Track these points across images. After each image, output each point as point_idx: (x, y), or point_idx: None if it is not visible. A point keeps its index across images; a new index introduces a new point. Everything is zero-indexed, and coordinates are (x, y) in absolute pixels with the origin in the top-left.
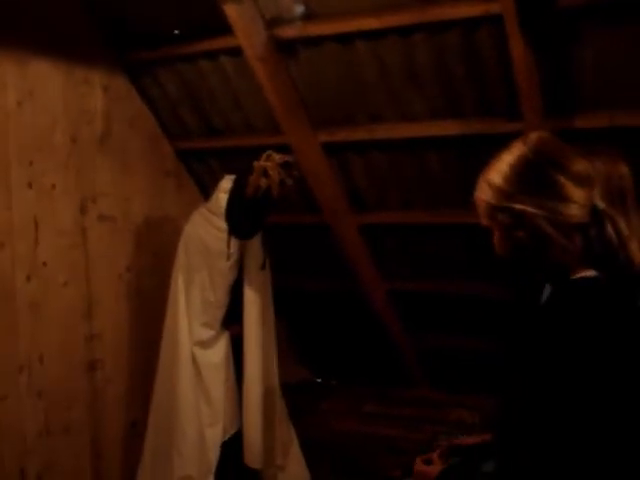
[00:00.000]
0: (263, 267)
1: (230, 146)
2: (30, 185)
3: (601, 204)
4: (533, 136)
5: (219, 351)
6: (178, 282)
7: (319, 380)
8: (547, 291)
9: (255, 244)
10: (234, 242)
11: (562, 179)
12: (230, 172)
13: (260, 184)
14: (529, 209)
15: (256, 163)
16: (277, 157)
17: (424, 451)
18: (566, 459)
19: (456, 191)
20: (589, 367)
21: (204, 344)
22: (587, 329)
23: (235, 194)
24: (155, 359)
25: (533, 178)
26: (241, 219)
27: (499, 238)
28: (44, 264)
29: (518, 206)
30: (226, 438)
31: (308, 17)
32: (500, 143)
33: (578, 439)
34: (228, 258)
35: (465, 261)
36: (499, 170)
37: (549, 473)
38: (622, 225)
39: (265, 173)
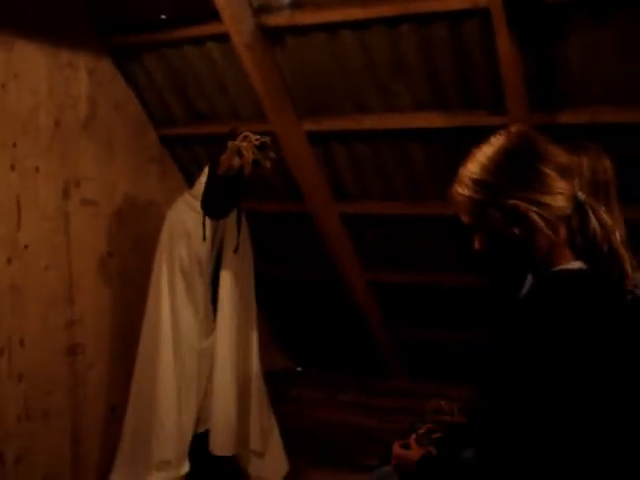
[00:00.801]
0: (235, 250)
1: (215, 133)
2: (13, 167)
3: (582, 195)
4: (514, 129)
5: (202, 340)
6: (161, 267)
7: (299, 369)
8: (529, 282)
9: (232, 228)
10: (209, 223)
11: (547, 170)
12: (215, 159)
13: (233, 163)
14: (521, 203)
15: (230, 142)
16: (253, 138)
17: (403, 437)
18: (547, 448)
19: (439, 183)
20: (568, 357)
21: (189, 330)
22: (569, 320)
23: (209, 174)
24: (136, 344)
25: (520, 170)
26: (212, 198)
27: (485, 235)
28: (25, 247)
29: (510, 201)
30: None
31: (296, 6)
32: (485, 136)
33: (559, 427)
34: (204, 239)
35: (446, 253)
36: (482, 164)
37: (526, 461)
38: (605, 216)
39: (239, 153)
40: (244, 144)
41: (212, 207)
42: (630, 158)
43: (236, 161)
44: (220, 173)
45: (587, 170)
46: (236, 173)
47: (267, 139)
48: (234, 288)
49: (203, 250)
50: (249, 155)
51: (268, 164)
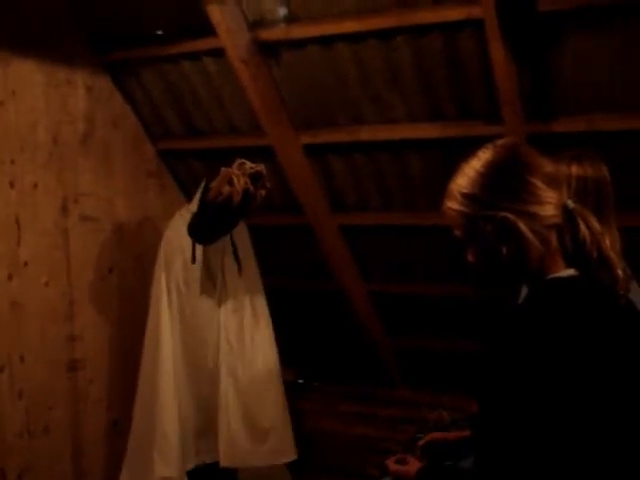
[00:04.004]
0: (240, 273)
1: (212, 147)
2: (12, 184)
3: (571, 203)
4: (500, 142)
5: (203, 360)
6: (160, 283)
7: (300, 381)
8: (524, 291)
9: (228, 251)
10: (200, 247)
11: (534, 180)
12: (212, 173)
13: (222, 191)
14: (510, 215)
15: (223, 169)
16: (248, 166)
17: (407, 449)
18: (544, 456)
19: (437, 193)
20: (563, 364)
21: (186, 350)
22: (562, 328)
23: (200, 199)
24: (137, 360)
25: (507, 182)
26: (199, 223)
27: (478, 248)
28: (25, 264)
29: (499, 213)
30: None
31: (291, 20)
32: (480, 146)
33: (553, 437)
34: (193, 261)
35: (445, 263)
36: (471, 178)
37: (524, 470)
38: (594, 222)
39: (230, 181)
40: (236, 172)
41: (198, 232)
42: (628, 165)
43: (226, 189)
44: (210, 200)
45: (576, 178)
46: (225, 201)
47: (262, 168)
48: (242, 308)
49: (194, 270)
50: (239, 184)
51: (261, 194)
